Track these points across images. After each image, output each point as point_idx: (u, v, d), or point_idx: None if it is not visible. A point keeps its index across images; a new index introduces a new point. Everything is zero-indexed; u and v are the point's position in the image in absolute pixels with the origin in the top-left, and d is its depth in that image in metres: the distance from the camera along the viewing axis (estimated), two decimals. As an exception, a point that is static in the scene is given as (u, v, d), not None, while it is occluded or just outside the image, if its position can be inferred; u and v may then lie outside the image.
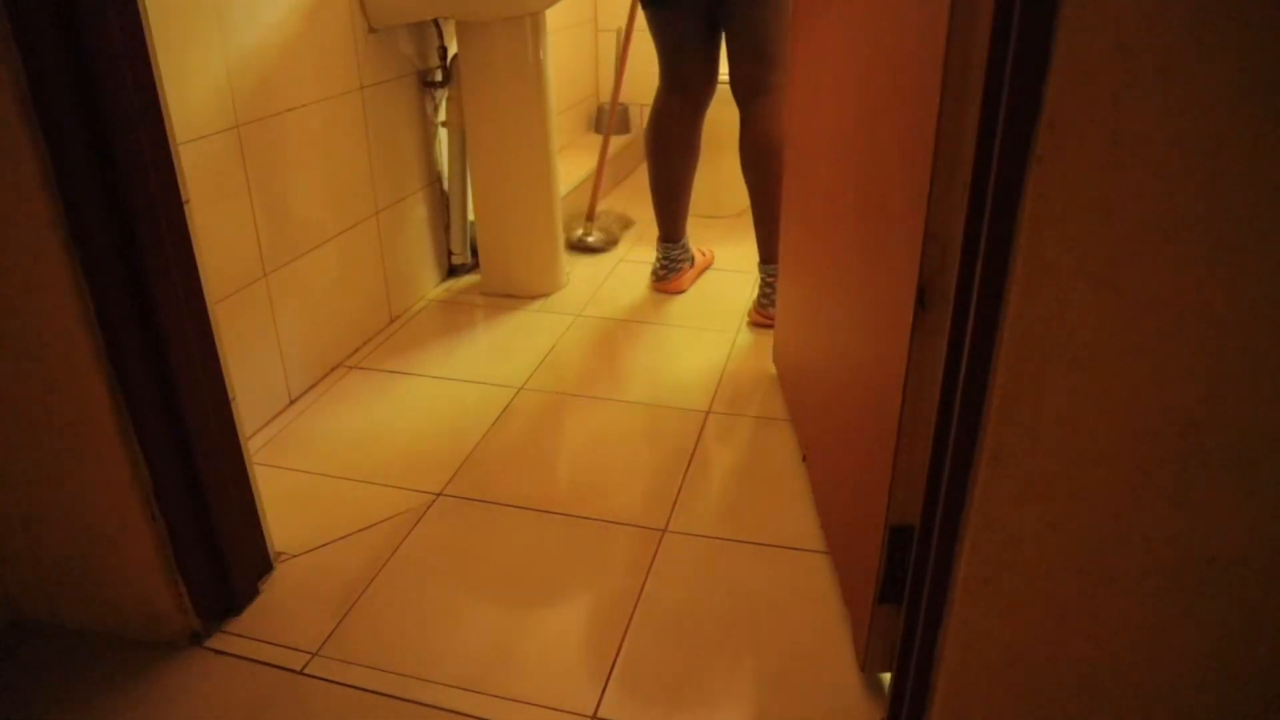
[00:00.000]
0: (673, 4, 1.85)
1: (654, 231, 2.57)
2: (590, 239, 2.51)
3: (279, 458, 1.53)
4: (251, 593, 1.21)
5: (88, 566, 1.11)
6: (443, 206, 2.22)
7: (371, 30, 1.84)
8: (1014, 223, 0.64)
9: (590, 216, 2.56)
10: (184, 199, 1.02)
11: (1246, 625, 0.72)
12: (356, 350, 1.91)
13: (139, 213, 0.95)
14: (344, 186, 1.81)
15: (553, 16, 2.04)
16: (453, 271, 2.30)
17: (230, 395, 1.13)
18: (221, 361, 1.11)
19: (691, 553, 1.29)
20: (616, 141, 3.21)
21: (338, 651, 1.12)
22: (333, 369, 1.83)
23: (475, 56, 1.95)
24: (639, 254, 2.48)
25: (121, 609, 1.13)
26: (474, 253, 2.27)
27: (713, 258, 2.41)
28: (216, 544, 1.13)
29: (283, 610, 1.19)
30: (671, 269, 2.21)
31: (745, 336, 1.97)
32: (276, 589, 1.23)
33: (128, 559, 1.09)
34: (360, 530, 1.35)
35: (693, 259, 2.27)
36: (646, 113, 3.47)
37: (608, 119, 2.60)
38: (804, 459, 1.49)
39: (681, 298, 2.19)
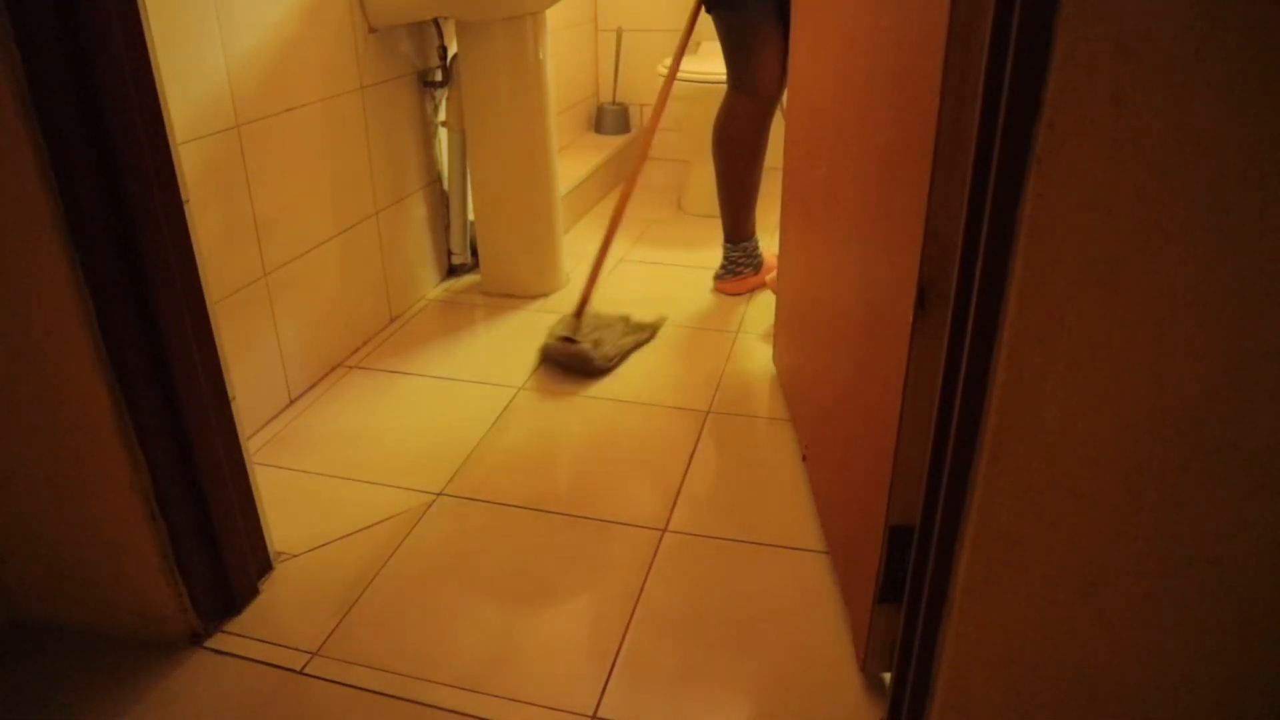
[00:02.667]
0: (740, 6, 1.84)
1: (655, 232, 2.57)
2: (576, 343, 1.79)
3: (279, 458, 1.53)
4: (251, 593, 1.21)
5: (88, 566, 1.11)
6: (443, 206, 2.22)
7: (371, 30, 1.84)
8: (1014, 223, 0.64)
9: (579, 312, 1.86)
10: (184, 199, 1.02)
11: (1245, 625, 0.72)
12: (356, 350, 1.91)
13: (139, 213, 0.95)
14: (344, 186, 1.81)
15: (553, 16, 2.04)
16: (453, 271, 2.30)
17: (230, 395, 1.13)
18: (221, 361, 1.11)
19: (691, 553, 1.29)
20: (615, 141, 3.21)
21: (338, 651, 1.12)
22: (333, 369, 1.83)
23: (475, 56, 1.96)
24: (639, 254, 2.48)
25: (121, 609, 1.13)
26: (474, 253, 2.28)
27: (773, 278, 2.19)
28: (216, 544, 1.13)
29: (283, 610, 1.19)
30: (730, 270, 2.19)
31: (745, 337, 1.97)
32: (276, 589, 1.23)
33: (128, 559, 1.09)
34: (360, 530, 1.35)
35: (759, 264, 2.20)
36: (647, 113, 3.48)
37: (612, 222, 1.88)
38: (804, 459, 1.49)
39: (681, 298, 2.18)
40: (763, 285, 2.19)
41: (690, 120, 2.71)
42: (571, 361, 1.79)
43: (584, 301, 1.89)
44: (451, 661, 1.11)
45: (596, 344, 1.81)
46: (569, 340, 1.79)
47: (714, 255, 2.46)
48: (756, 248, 2.19)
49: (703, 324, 2.04)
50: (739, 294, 2.19)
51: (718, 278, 2.21)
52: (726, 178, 2.08)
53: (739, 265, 2.18)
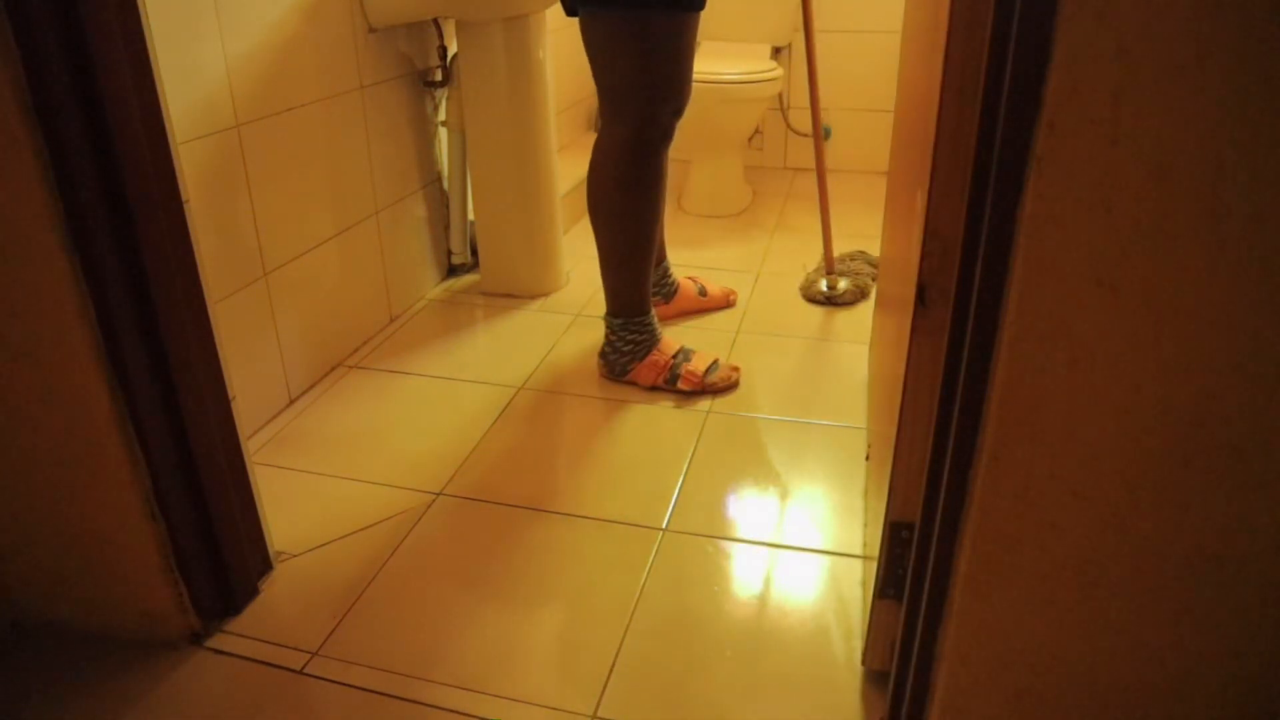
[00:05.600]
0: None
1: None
2: (841, 290, 2.13)
3: (279, 458, 1.53)
4: (251, 592, 1.21)
5: (88, 566, 1.11)
6: (443, 206, 2.22)
7: (371, 30, 1.84)
8: (1014, 223, 0.64)
9: (830, 268, 2.19)
10: (184, 199, 1.02)
11: (1246, 625, 0.72)
12: (356, 350, 1.91)
13: (139, 213, 0.95)
14: (344, 186, 1.81)
15: (553, 16, 2.04)
16: (453, 271, 2.30)
17: (230, 395, 1.13)
18: (221, 361, 1.11)
19: (691, 552, 1.29)
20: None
21: (338, 651, 1.12)
22: (333, 369, 1.83)
23: (475, 56, 1.96)
24: (639, 254, 2.47)
25: (121, 609, 1.13)
26: (474, 253, 2.27)
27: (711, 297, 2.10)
28: (216, 544, 1.13)
29: (283, 610, 1.19)
30: (640, 350, 1.74)
31: (746, 335, 1.97)
32: (276, 589, 1.23)
33: (128, 559, 1.09)
34: (360, 530, 1.35)
35: (657, 338, 1.76)
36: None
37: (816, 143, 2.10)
38: (867, 458, 1.49)
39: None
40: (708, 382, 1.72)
41: (690, 120, 2.70)
42: (857, 299, 2.13)
43: (829, 258, 2.16)
44: (451, 661, 1.11)
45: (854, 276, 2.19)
46: (830, 294, 2.11)
47: (714, 254, 2.46)
48: (654, 322, 1.76)
49: (703, 324, 2.04)
50: (655, 387, 1.74)
51: (621, 369, 1.76)
52: (654, 228, 1.70)
53: (654, 337, 1.76)
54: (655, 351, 1.74)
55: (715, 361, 1.76)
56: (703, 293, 2.08)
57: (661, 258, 2.00)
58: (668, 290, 2.04)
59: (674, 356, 1.74)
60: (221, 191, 1.47)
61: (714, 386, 1.72)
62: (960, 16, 0.70)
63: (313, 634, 1.15)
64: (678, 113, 1.62)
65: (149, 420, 1.02)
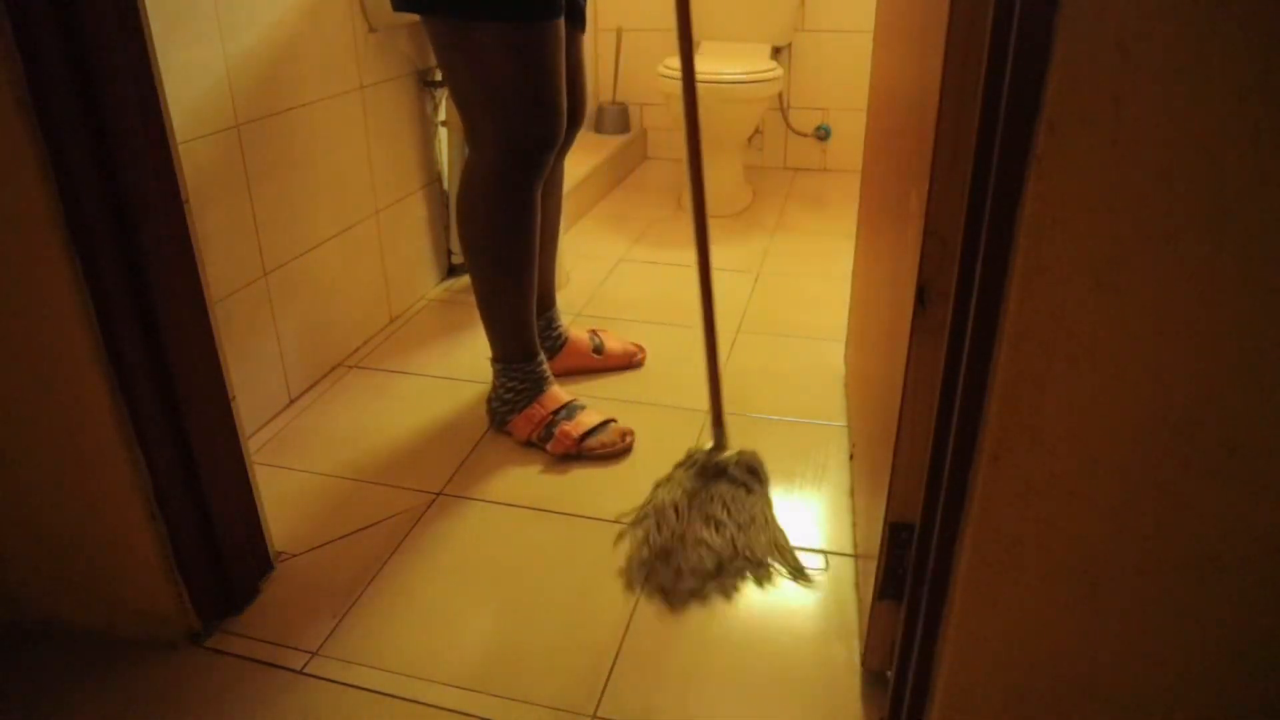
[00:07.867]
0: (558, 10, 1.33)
1: (656, 232, 2.49)
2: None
3: (279, 457, 1.53)
4: (251, 592, 1.21)
5: (88, 566, 1.11)
6: (443, 206, 2.22)
7: (371, 30, 1.84)
8: (1014, 223, 0.64)
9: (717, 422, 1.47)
10: (184, 199, 1.02)
11: (1246, 625, 0.72)
12: (356, 350, 1.92)
13: (139, 213, 0.95)
14: (344, 186, 1.81)
15: (553, 16, 2.03)
16: (452, 271, 2.30)
17: (230, 395, 1.13)
18: (221, 361, 1.11)
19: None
20: (615, 141, 3.21)
21: (338, 651, 1.12)
22: (333, 369, 1.83)
23: (475, 56, 1.95)
24: (639, 254, 2.48)
25: (121, 609, 1.13)
26: (474, 252, 2.27)
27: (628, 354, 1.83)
28: (216, 544, 1.13)
29: (283, 610, 1.19)
30: (520, 400, 1.55)
31: (745, 336, 1.97)
32: (276, 589, 1.23)
33: (128, 559, 1.09)
34: (360, 530, 1.35)
35: (542, 387, 1.56)
36: (646, 112, 3.47)
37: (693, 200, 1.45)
38: (851, 458, 1.49)
39: (680, 297, 2.18)
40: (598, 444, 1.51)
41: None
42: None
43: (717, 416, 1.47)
44: (451, 661, 1.11)
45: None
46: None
47: (714, 254, 2.45)
48: (540, 368, 1.57)
49: (688, 324, 2.03)
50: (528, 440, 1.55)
51: (493, 415, 1.59)
52: (530, 264, 1.50)
53: (541, 383, 1.57)
54: (535, 404, 1.54)
55: (605, 423, 1.53)
56: (599, 350, 1.80)
57: (548, 305, 1.74)
58: (553, 344, 1.76)
59: (554, 412, 1.53)
60: (221, 191, 1.47)
61: (592, 451, 1.50)
62: (960, 16, 0.70)
63: (313, 634, 1.15)
64: (547, 144, 1.38)
65: (149, 420, 1.02)
